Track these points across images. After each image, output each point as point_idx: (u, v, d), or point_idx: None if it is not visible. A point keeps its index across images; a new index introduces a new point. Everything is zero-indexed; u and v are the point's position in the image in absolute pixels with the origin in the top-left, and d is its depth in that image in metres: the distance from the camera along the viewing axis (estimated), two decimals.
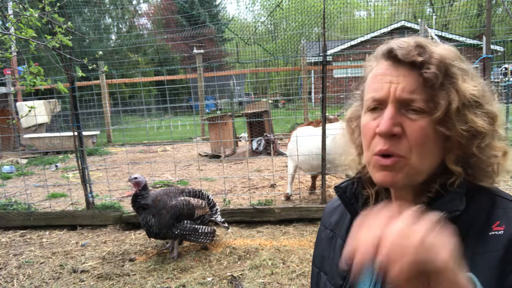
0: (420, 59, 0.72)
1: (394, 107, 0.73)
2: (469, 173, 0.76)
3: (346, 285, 0.86)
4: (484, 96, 0.74)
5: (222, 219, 3.91)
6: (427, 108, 0.72)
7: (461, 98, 0.72)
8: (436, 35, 10.59)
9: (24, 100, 11.92)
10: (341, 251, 0.90)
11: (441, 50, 0.74)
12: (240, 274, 3.22)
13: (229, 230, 4.09)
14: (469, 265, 0.68)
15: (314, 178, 5.28)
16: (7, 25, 3.63)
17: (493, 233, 0.68)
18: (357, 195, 0.89)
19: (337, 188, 0.93)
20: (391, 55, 0.75)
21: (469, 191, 0.74)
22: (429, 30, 9.76)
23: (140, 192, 3.53)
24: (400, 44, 0.75)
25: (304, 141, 4.72)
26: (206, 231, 3.63)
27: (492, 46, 4.79)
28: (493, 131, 0.74)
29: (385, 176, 0.75)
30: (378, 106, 0.76)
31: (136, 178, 3.55)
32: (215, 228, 3.80)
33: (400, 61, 0.74)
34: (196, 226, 3.59)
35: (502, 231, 0.68)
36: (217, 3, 26.80)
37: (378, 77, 0.76)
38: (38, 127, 10.89)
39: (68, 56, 4.12)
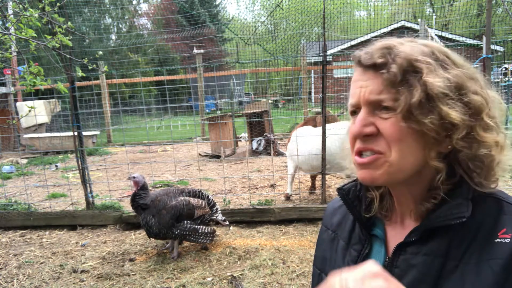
0: (379, 60, 0.73)
1: (366, 109, 0.75)
2: (470, 176, 0.74)
3: None
4: (460, 86, 0.72)
5: (223, 218, 3.92)
6: (395, 106, 0.72)
7: (428, 90, 0.70)
8: (436, 35, 10.59)
9: (24, 100, 11.92)
10: (343, 253, 0.90)
11: (409, 48, 0.74)
12: (240, 274, 3.22)
13: (230, 229, 4.10)
14: (474, 272, 0.67)
15: (313, 178, 5.28)
16: (7, 25, 3.63)
17: (499, 240, 0.68)
18: (360, 198, 0.89)
19: (340, 190, 0.92)
20: (359, 62, 0.78)
21: (475, 197, 0.73)
22: (429, 30, 9.76)
23: (139, 192, 3.53)
24: (367, 49, 0.78)
25: (303, 142, 4.72)
26: (206, 231, 3.63)
27: (492, 46, 4.79)
28: (476, 121, 0.71)
29: (364, 173, 0.77)
30: (356, 110, 0.79)
31: (134, 177, 3.55)
32: (215, 228, 3.81)
33: (366, 66, 0.76)
34: (196, 226, 3.59)
35: (509, 239, 0.67)
36: (217, 3, 26.80)
37: (353, 84, 0.79)
38: (38, 127, 10.89)
39: (68, 56, 4.12)
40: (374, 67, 0.74)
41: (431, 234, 0.74)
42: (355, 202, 0.89)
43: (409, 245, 0.76)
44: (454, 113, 0.70)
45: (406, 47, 0.74)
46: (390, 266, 0.78)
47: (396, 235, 0.82)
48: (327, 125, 4.43)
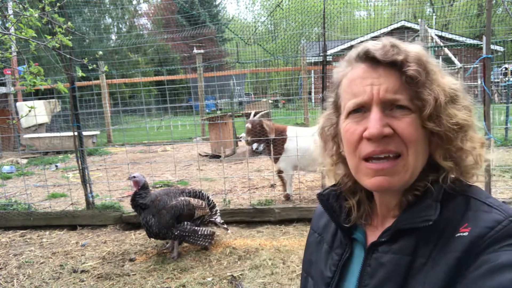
0: (400, 58, 0.71)
1: (379, 109, 0.72)
2: (454, 170, 0.76)
3: None
4: (461, 91, 0.76)
5: (222, 221, 3.90)
6: (412, 106, 0.71)
7: (446, 92, 0.73)
8: (436, 35, 10.58)
9: (24, 100, 11.92)
10: (326, 257, 0.89)
11: (414, 49, 0.74)
12: (240, 274, 3.22)
13: (228, 232, 4.09)
14: (434, 267, 0.67)
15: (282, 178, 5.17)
16: (7, 25, 3.62)
17: (459, 234, 0.67)
18: (340, 204, 0.88)
19: (319, 196, 0.92)
20: (368, 57, 0.74)
21: (445, 196, 0.73)
22: (429, 30, 9.76)
23: (140, 191, 3.53)
24: (375, 45, 0.74)
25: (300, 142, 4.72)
26: (205, 233, 3.63)
27: (492, 46, 4.79)
28: (472, 123, 0.75)
29: (381, 181, 0.73)
30: (360, 108, 0.74)
31: (134, 177, 3.55)
32: (214, 230, 3.80)
33: (378, 62, 0.73)
34: (195, 228, 3.59)
35: (467, 233, 0.66)
36: (217, 3, 26.81)
37: (357, 81, 0.74)
38: (38, 127, 10.89)
39: (68, 56, 4.12)
40: (389, 64, 0.72)
41: (401, 234, 0.74)
42: (335, 207, 0.88)
43: (381, 245, 0.77)
44: (463, 115, 0.73)
45: (410, 48, 0.74)
46: (364, 265, 0.79)
47: (375, 238, 0.82)
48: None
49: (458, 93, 0.74)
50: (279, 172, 5.12)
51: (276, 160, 4.96)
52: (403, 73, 0.71)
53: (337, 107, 0.83)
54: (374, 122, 0.71)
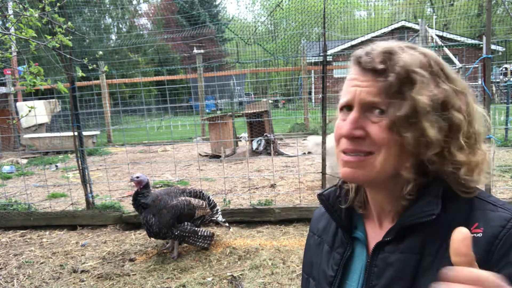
0: (380, 66, 0.74)
1: (358, 110, 0.76)
2: (445, 179, 0.75)
3: None
4: (445, 103, 0.73)
5: (223, 219, 3.92)
6: (389, 110, 0.73)
7: (415, 106, 0.71)
8: (436, 35, 10.58)
9: (24, 100, 11.92)
10: (327, 257, 0.91)
11: (408, 56, 0.74)
12: (240, 274, 3.22)
13: (230, 230, 4.09)
14: (444, 265, 0.67)
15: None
16: (7, 25, 3.62)
17: (472, 235, 0.66)
18: (340, 200, 0.91)
19: (320, 196, 0.94)
20: (358, 62, 0.78)
21: (446, 194, 0.74)
22: (429, 30, 9.75)
23: (141, 190, 3.53)
24: (369, 50, 0.77)
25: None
26: (205, 234, 3.63)
27: (492, 46, 4.79)
28: (453, 139, 0.73)
29: (347, 171, 0.78)
30: (348, 107, 0.79)
31: (138, 177, 3.55)
32: (213, 231, 3.80)
33: (366, 69, 0.77)
34: (196, 229, 3.59)
35: (481, 234, 0.68)
36: (217, 3, 26.82)
37: (348, 82, 0.80)
38: (38, 127, 10.90)
39: (68, 56, 4.12)
40: (373, 71, 0.75)
41: (406, 233, 0.75)
42: (335, 207, 0.90)
43: (386, 245, 0.78)
44: (433, 131, 0.71)
45: (406, 55, 0.75)
46: (370, 265, 0.80)
47: (376, 237, 0.84)
48: None
49: (431, 110, 0.71)
50: None
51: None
52: (384, 80, 0.74)
53: None
54: (348, 123, 0.76)
